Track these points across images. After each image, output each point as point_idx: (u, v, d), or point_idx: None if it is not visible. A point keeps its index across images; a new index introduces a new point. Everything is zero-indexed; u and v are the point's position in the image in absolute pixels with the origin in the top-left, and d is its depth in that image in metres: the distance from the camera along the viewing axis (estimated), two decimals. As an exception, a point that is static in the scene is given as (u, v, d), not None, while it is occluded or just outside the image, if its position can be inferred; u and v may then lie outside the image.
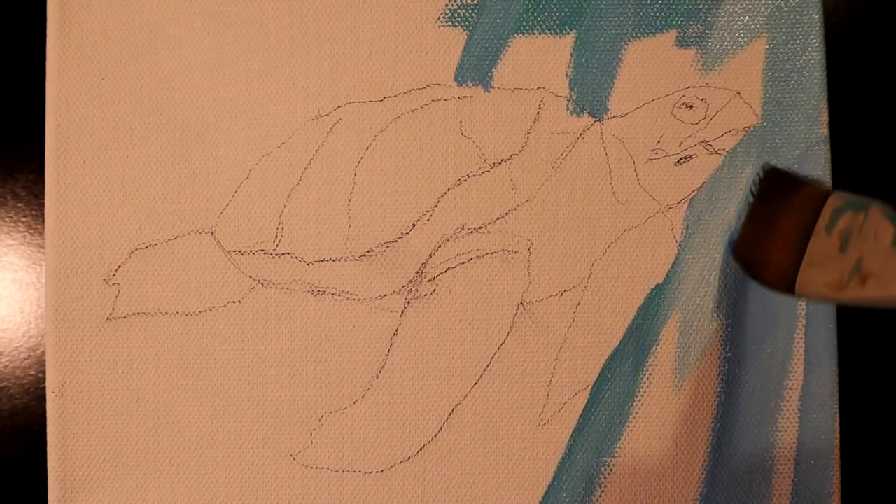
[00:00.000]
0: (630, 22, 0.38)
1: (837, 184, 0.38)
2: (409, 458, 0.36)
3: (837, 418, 0.37)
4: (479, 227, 0.37)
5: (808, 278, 0.33)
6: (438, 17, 0.37)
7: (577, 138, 0.37)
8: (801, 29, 0.38)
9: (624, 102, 0.38)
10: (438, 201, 0.37)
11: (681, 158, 0.37)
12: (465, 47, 0.37)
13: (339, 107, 0.37)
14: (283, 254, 0.36)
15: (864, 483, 0.38)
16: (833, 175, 0.37)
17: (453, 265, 0.37)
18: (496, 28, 0.37)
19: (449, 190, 0.37)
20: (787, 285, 0.34)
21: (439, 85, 0.37)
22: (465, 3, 0.37)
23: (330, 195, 0.37)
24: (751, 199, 0.36)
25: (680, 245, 0.37)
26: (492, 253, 0.37)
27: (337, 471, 0.36)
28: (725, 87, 0.38)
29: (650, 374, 0.37)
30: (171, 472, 0.36)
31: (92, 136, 0.37)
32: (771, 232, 0.35)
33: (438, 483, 0.36)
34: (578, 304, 0.37)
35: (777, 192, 0.36)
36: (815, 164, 0.37)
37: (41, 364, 0.38)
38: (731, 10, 0.38)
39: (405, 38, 0.37)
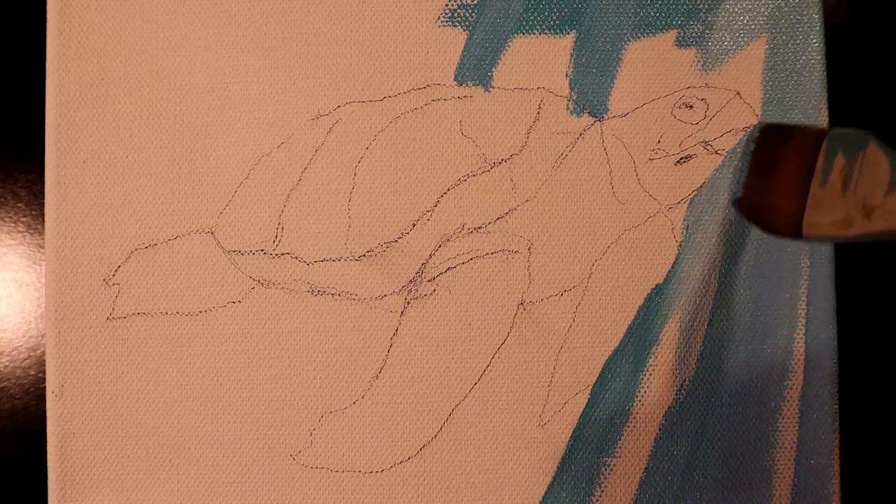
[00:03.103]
0: (630, 22, 0.38)
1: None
2: (409, 458, 0.36)
3: (837, 418, 0.37)
4: (479, 227, 0.37)
5: (813, 220, 0.33)
6: (438, 17, 0.37)
7: (577, 138, 0.37)
8: (801, 29, 0.38)
9: (624, 102, 0.38)
10: (438, 201, 0.37)
11: (681, 158, 0.37)
12: (465, 47, 0.37)
13: (338, 107, 0.37)
14: (283, 254, 0.36)
15: (864, 483, 0.38)
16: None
17: (453, 265, 0.37)
18: (496, 28, 0.37)
19: (449, 190, 0.37)
20: (795, 230, 0.34)
21: (439, 85, 0.37)
22: (465, 3, 0.37)
23: (330, 195, 0.37)
24: (750, 150, 0.36)
25: (680, 245, 0.37)
26: (492, 253, 0.37)
27: (337, 471, 0.36)
28: (725, 88, 0.38)
29: (650, 375, 0.37)
30: (170, 472, 0.36)
31: (92, 136, 0.37)
32: (773, 180, 0.35)
33: (438, 483, 0.36)
34: (578, 304, 0.37)
35: (774, 141, 0.35)
36: (816, 164, 0.37)
37: (41, 364, 0.38)
38: (731, 9, 0.38)
39: (405, 38, 0.37)
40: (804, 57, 0.38)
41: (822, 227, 0.33)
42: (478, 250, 0.37)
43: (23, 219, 0.38)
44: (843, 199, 0.33)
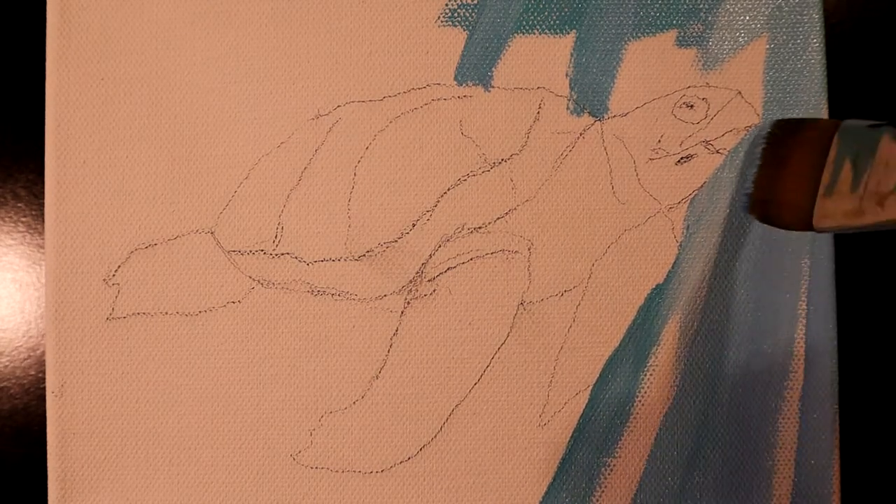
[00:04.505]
0: (630, 21, 0.38)
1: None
2: (409, 458, 0.36)
3: (837, 418, 0.37)
4: (479, 227, 0.37)
5: (825, 211, 0.33)
6: (438, 17, 0.37)
7: (578, 138, 0.37)
8: (801, 29, 0.38)
9: (624, 102, 0.38)
10: (438, 201, 0.37)
11: (681, 158, 0.37)
12: (465, 47, 0.37)
13: (338, 106, 0.37)
14: (282, 254, 0.36)
15: (864, 483, 0.38)
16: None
17: (453, 265, 0.37)
18: (496, 28, 0.37)
19: (449, 190, 0.37)
20: (805, 222, 0.34)
21: (439, 85, 0.37)
22: (465, 2, 0.37)
23: (330, 195, 0.37)
24: (760, 144, 0.36)
25: (680, 245, 0.37)
26: (492, 253, 0.37)
27: (337, 471, 0.36)
28: (726, 87, 0.38)
29: (650, 375, 0.37)
30: (170, 472, 0.36)
31: (92, 136, 0.37)
32: (783, 172, 0.35)
33: (438, 483, 0.36)
34: (579, 304, 0.37)
35: (785, 136, 0.36)
36: (816, 164, 0.37)
37: (41, 364, 0.38)
38: (731, 9, 0.38)
39: (405, 38, 0.37)
40: (804, 57, 0.38)
41: (833, 218, 0.33)
42: (478, 250, 0.37)
43: (23, 219, 0.38)
44: (854, 189, 0.33)
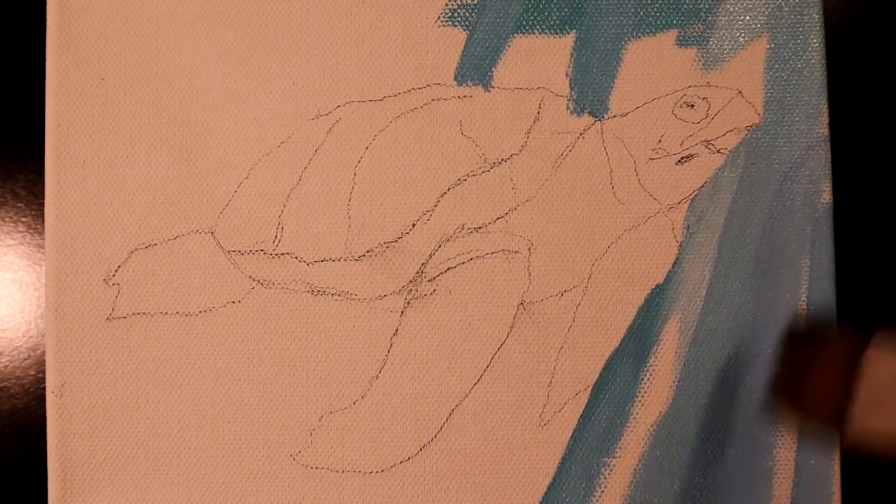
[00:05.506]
0: (630, 21, 0.38)
1: (838, 184, 0.37)
2: (409, 458, 0.36)
3: (838, 418, 0.37)
4: (479, 227, 0.37)
5: (863, 425, 0.30)
6: (438, 17, 0.37)
7: (578, 138, 0.37)
8: (801, 29, 0.38)
9: (624, 102, 0.37)
10: (438, 201, 0.37)
11: (682, 158, 0.37)
12: (465, 47, 0.37)
13: (338, 106, 0.37)
14: (282, 254, 0.36)
15: (864, 483, 0.38)
16: (833, 175, 0.37)
17: (453, 265, 0.37)
18: (496, 28, 0.37)
19: (449, 190, 0.37)
20: (837, 423, 0.31)
21: (439, 84, 0.37)
22: (465, 2, 0.37)
23: (330, 195, 0.37)
24: (786, 350, 0.35)
25: (680, 245, 0.37)
26: (492, 253, 0.37)
27: (337, 471, 0.36)
28: (727, 87, 0.38)
29: (650, 375, 0.37)
30: (170, 472, 0.36)
31: (92, 136, 0.37)
32: (814, 379, 0.32)
33: (438, 483, 0.36)
34: (579, 304, 0.37)
35: (813, 342, 0.34)
36: (815, 164, 0.37)
37: (41, 364, 0.38)
38: (731, 9, 0.38)
39: (405, 38, 0.37)
40: (804, 57, 0.38)
41: (875, 435, 0.30)
42: (478, 250, 0.37)
43: (23, 219, 0.38)
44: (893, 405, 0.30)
